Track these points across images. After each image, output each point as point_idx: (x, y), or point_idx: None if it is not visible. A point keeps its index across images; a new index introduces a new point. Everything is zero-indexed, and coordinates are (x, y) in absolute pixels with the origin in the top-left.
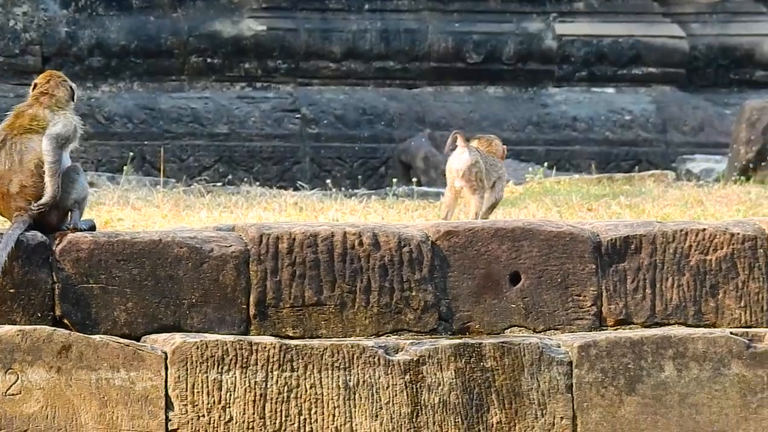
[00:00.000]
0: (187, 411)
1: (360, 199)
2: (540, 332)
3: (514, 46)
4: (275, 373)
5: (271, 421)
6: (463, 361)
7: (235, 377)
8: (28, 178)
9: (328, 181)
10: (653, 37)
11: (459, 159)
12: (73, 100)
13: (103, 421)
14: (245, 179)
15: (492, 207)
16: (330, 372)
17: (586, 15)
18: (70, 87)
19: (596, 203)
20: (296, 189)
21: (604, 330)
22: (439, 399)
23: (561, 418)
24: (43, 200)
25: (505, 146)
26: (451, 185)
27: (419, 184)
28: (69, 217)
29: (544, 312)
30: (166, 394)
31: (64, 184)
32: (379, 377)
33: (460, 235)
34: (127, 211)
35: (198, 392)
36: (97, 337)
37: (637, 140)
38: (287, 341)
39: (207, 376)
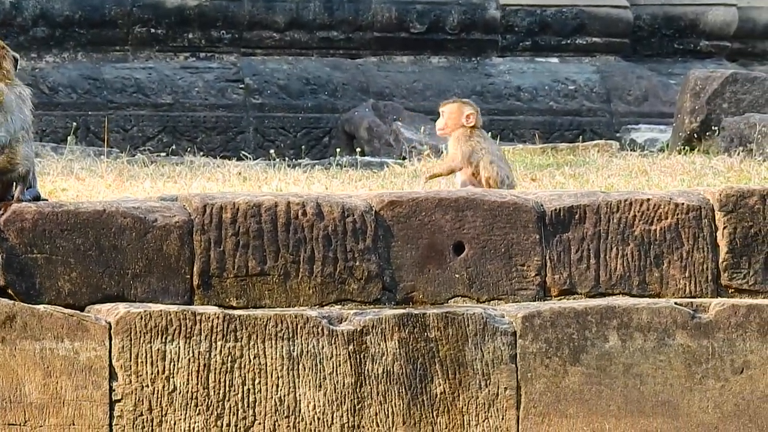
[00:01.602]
0: (131, 381)
1: (303, 169)
2: (484, 302)
3: (458, 16)
4: (219, 343)
5: (214, 392)
6: (407, 331)
7: (179, 347)
8: None
9: (272, 151)
10: (597, 7)
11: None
12: (15, 70)
13: (47, 391)
14: (189, 149)
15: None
16: (273, 342)
17: None
18: (14, 57)
19: (540, 173)
20: (240, 159)
21: (548, 300)
22: (383, 369)
23: (505, 388)
24: None
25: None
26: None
27: (363, 154)
28: (14, 187)
29: (488, 282)
30: (110, 365)
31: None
32: (323, 347)
33: (404, 205)
34: (71, 181)
35: (142, 362)
36: (41, 307)
37: (581, 110)
38: (231, 311)
39: (151, 347)
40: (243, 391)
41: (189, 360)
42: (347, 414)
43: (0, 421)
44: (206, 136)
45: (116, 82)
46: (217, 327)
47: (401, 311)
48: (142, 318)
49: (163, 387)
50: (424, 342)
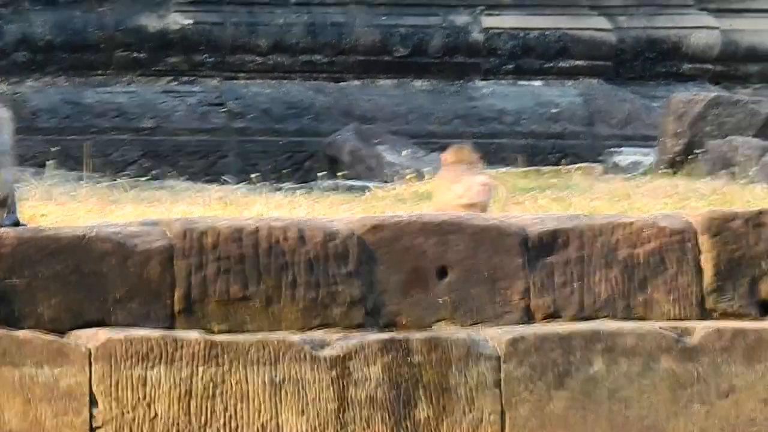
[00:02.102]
0: (111, 408)
1: (286, 193)
2: (468, 327)
3: (441, 40)
4: (201, 368)
5: (196, 418)
6: (391, 356)
7: (161, 373)
8: None
9: (254, 175)
10: (580, 30)
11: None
12: None
13: (26, 418)
14: (170, 174)
15: None
16: (256, 368)
17: (512, 8)
18: None
19: (523, 197)
20: (222, 183)
21: (532, 325)
22: (367, 395)
23: (489, 413)
24: None
25: (477, 155)
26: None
27: (345, 178)
28: None
29: (472, 306)
30: (91, 391)
31: None
32: (306, 373)
33: (387, 230)
34: (52, 206)
35: (123, 389)
36: (21, 332)
37: (564, 133)
38: (213, 336)
39: (132, 373)
40: (225, 418)
41: (170, 386)
42: None
43: None
44: (188, 161)
45: (97, 107)
46: (199, 353)
47: (385, 336)
48: (123, 344)
49: (144, 413)
50: (407, 367)
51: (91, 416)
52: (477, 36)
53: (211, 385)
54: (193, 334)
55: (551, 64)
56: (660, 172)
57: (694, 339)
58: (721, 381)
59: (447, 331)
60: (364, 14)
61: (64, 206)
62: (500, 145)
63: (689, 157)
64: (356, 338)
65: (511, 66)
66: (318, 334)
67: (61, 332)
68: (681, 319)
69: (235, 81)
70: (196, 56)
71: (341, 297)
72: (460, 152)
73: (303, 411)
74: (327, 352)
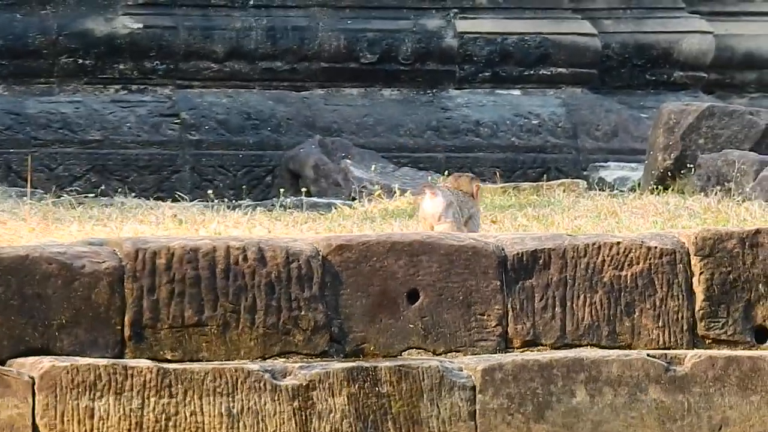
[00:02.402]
0: None
1: (244, 210)
2: (440, 354)
3: (412, 45)
4: (152, 399)
5: None
6: (357, 386)
7: (109, 404)
8: None
9: (210, 191)
10: (562, 35)
11: (433, 203)
12: None
13: None
14: (120, 190)
15: None
16: (212, 398)
17: (489, 11)
18: None
19: (501, 215)
20: (175, 200)
21: (510, 352)
22: (331, 427)
23: None
24: None
25: (478, 184)
26: (428, 229)
27: (309, 194)
28: None
29: (445, 333)
30: (34, 423)
31: None
32: (266, 403)
33: (354, 250)
34: None
35: (68, 420)
36: None
37: (545, 146)
38: (165, 365)
39: (78, 403)
40: None
41: (120, 418)
42: None
43: None
44: (138, 176)
45: (40, 117)
46: (150, 382)
47: (350, 364)
48: (68, 372)
49: None
50: (375, 398)
51: None
52: (451, 41)
53: (163, 416)
54: (144, 363)
55: (531, 72)
56: (649, 188)
57: (684, 368)
58: (714, 413)
59: (418, 359)
60: (329, 18)
61: (4, 225)
62: (476, 159)
63: (681, 172)
64: (320, 366)
65: (487, 74)
66: (279, 363)
67: (1, 360)
68: (670, 347)
69: (189, 90)
70: (146, 63)
71: (304, 322)
72: (458, 180)
73: None
74: (288, 382)
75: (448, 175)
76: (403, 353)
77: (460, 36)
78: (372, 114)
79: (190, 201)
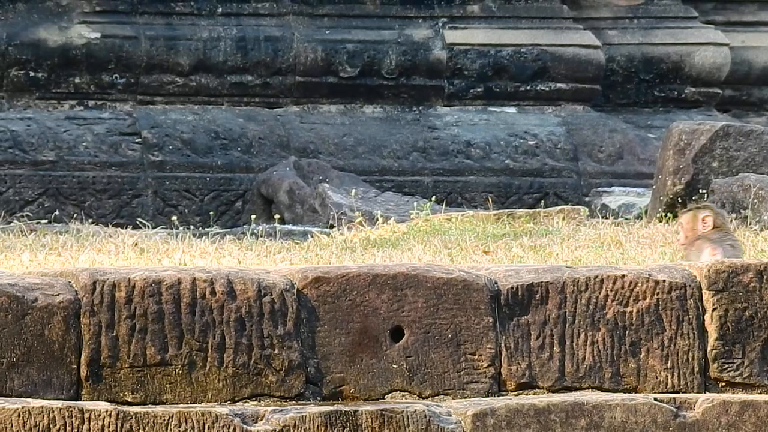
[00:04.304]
0: None
1: (212, 239)
2: (427, 398)
3: (396, 57)
4: None
5: None
6: (335, 431)
7: None
8: None
9: (174, 217)
10: (562, 47)
11: None
12: None
13: None
14: (75, 215)
15: None
16: None
17: (482, 20)
18: None
19: (494, 244)
20: (136, 227)
21: (503, 395)
22: None
23: None
24: None
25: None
26: None
27: (283, 221)
28: None
29: (432, 374)
30: None
31: None
32: None
33: (332, 283)
34: None
35: None
36: None
37: (543, 169)
38: (125, 408)
39: None
40: None
41: None
42: None
43: None
44: (96, 200)
45: None
46: (108, 426)
47: (328, 408)
48: (19, 416)
49: None
50: None
51: None
52: (439, 53)
53: None
54: (103, 405)
55: (528, 88)
56: (657, 215)
57: (695, 413)
58: None
59: (402, 402)
60: (305, 27)
61: None
62: (467, 184)
63: (693, 198)
64: (294, 411)
65: (479, 89)
66: (250, 406)
67: None
68: (680, 390)
69: (151, 106)
70: (104, 76)
71: (277, 362)
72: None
73: None
74: (260, 427)
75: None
76: (386, 396)
77: (449, 48)
78: (352, 133)
79: (153, 228)
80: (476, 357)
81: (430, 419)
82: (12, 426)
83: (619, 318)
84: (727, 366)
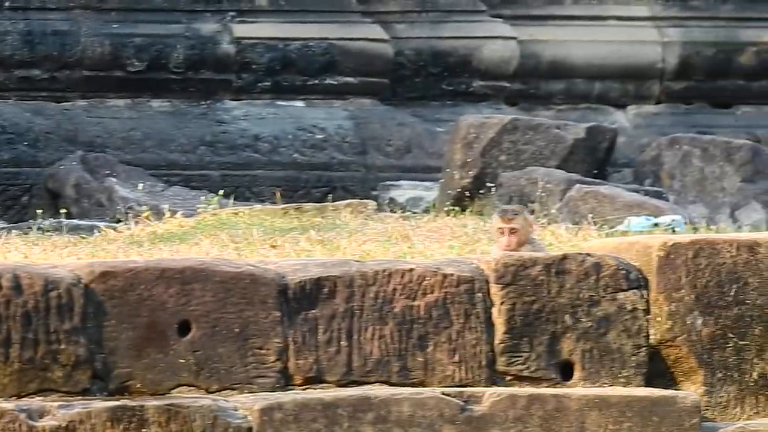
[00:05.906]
0: None
1: None
2: (214, 392)
3: (184, 52)
4: None
5: None
6: (122, 427)
7: None
8: None
9: None
10: (350, 41)
11: None
12: None
13: None
14: None
15: None
16: None
17: (270, 14)
18: None
19: (282, 238)
20: None
21: (291, 390)
22: None
23: None
24: None
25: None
26: None
27: (69, 215)
28: None
29: (219, 368)
30: None
31: None
32: None
33: (119, 277)
34: None
35: None
36: None
37: (330, 163)
38: None
39: None
40: None
41: None
42: None
43: None
44: None
45: None
46: None
47: (114, 403)
48: None
49: None
50: None
51: None
52: (227, 47)
53: None
54: None
55: (316, 82)
56: (445, 209)
57: (482, 407)
58: None
59: (189, 397)
60: (92, 22)
61: None
62: (255, 178)
63: (480, 191)
64: (80, 406)
65: (267, 83)
66: (36, 401)
67: None
68: (467, 384)
69: None
70: None
71: (63, 357)
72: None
73: None
74: (46, 423)
75: (226, 195)
76: (172, 391)
77: (237, 42)
78: (139, 127)
79: None
80: (264, 351)
81: (216, 414)
82: None
83: (407, 312)
84: (514, 359)
